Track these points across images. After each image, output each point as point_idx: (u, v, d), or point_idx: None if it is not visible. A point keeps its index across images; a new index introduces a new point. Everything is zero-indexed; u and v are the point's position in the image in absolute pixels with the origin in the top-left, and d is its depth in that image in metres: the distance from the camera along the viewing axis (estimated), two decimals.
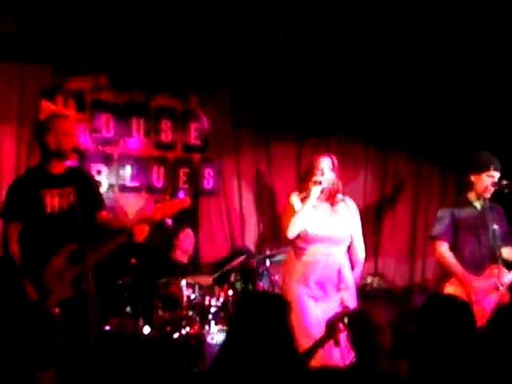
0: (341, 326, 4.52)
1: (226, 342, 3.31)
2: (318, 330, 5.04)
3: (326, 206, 5.47)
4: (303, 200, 5.42)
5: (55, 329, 4.68)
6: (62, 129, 4.87)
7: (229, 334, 3.39)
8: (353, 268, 5.56)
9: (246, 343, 3.13)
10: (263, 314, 3.19)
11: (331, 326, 4.58)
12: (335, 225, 5.41)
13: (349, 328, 4.18)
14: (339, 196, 5.53)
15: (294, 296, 5.26)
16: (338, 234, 5.41)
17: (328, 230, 5.36)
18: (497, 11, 6.61)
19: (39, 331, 4.69)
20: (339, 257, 5.40)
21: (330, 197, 5.47)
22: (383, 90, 8.26)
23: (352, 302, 5.35)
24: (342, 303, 5.21)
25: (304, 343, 4.88)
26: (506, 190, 5.68)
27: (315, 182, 5.36)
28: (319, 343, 4.71)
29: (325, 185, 5.37)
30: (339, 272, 5.35)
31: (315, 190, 5.35)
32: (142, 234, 4.81)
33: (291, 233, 5.33)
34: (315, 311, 5.27)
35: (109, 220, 5.05)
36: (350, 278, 5.43)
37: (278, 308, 3.25)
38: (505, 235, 5.79)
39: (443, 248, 5.78)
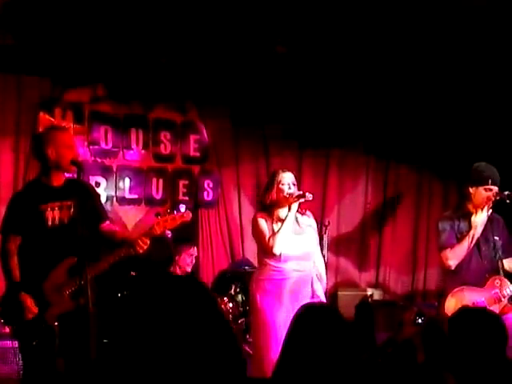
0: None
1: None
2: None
3: (293, 221, 5.40)
4: (273, 217, 5.33)
5: (54, 342, 4.65)
6: (61, 141, 4.83)
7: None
8: None
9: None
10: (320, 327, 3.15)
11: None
12: (304, 240, 5.36)
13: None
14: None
15: (266, 312, 5.21)
16: (308, 249, 5.36)
17: (299, 247, 5.31)
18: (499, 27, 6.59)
19: (39, 344, 4.65)
20: (310, 271, 5.36)
21: (299, 211, 5.42)
22: (384, 100, 8.24)
23: None
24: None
25: (269, 357, 4.88)
26: (508, 201, 5.64)
27: (299, 196, 5.27)
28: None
29: (309, 198, 5.30)
30: (312, 286, 5.33)
31: (295, 205, 5.29)
32: (143, 246, 4.77)
33: (278, 250, 5.23)
34: (284, 326, 5.20)
35: (113, 231, 5.01)
36: (321, 290, 5.40)
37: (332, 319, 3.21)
38: (505, 246, 5.76)
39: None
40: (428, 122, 8.38)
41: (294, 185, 5.33)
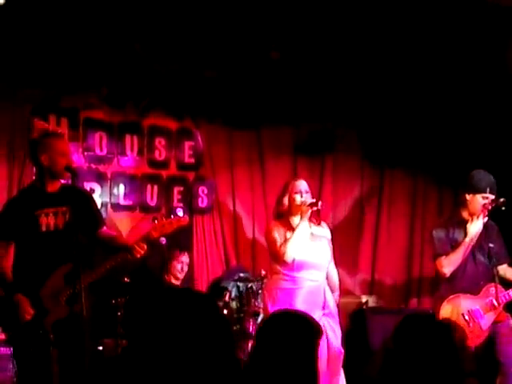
0: None
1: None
2: None
3: (306, 230, 5.38)
4: (286, 225, 5.34)
5: (49, 349, 4.64)
6: (55, 148, 4.82)
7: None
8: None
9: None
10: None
11: None
12: (317, 250, 5.35)
13: None
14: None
15: None
16: (321, 259, 5.36)
17: (312, 257, 5.31)
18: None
19: (35, 351, 4.64)
20: (323, 282, 5.35)
21: (312, 218, 5.41)
22: (379, 105, 8.24)
23: (334, 328, 5.29)
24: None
25: None
26: (503, 208, 5.65)
27: (312, 204, 5.28)
28: None
29: (320, 203, 5.32)
30: (324, 297, 5.31)
31: (308, 213, 5.30)
32: (141, 251, 4.76)
33: (290, 258, 5.23)
34: None
35: (111, 237, 4.99)
36: (332, 302, 5.38)
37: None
38: (500, 253, 5.76)
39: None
40: (423, 127, 8.38)
41: (306, 192, 5.37)
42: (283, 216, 5.40)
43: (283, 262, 5.23)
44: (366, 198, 8.65)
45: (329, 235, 5.54)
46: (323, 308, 5.27)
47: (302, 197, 5.33)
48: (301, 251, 5.23)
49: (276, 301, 5.25)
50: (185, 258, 7.25)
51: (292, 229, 5.30)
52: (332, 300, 5.38)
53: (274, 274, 5.38)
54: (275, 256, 5.31)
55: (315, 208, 5.29)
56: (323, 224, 5.55)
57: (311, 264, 5.27)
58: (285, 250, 5.22)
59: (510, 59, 6.78)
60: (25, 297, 4.63)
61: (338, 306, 5.47)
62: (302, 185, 5.42)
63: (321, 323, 5.16)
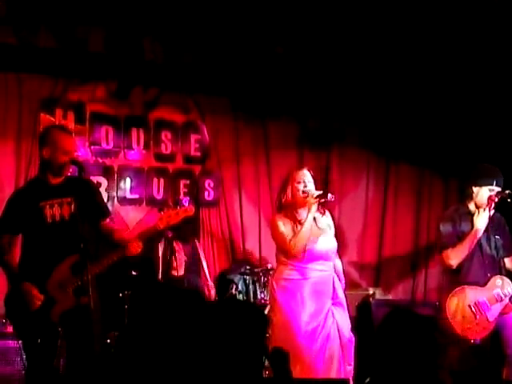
0: None
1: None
2: (310, 341, 5.02)
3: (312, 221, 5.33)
4: (291, 217, 5.28)
5: (57, 340, 4.66)
6: (59, 144, 4.79)
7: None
8: None
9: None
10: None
11: None
12: (326, 240, 5.30)
13: None
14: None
15: (284, 312, 5.17)
16: (329, 249, 5.31)
17: (322, 246, 5.26)
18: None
19: (43, 343, 4.66)
20: (331, 271, 5.32)
21: (319, 211, 5.35)
22: (385, 98, 8.24)
23: (343, 317, 5.29)
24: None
25: (295, 357, 4.83)
26: (509, 200, 5.64)
27: (320, 196, 5.21)
28: None
29: (332, 199, 5.24)
30: (333, 286, 5.29)
31: (315, 205, 5.22)
32: (135, 250, 4.77)
33: (299, 252, 5.18)
34: (306, 326, 5.18)
35: (112, 230, 4.99)
36: (340, 290, 5.36)
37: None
38: (506, 246, 5.76)
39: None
40: (429, 120, 8.37)
41: (309, 182, 5.27)
42: (287, 208, 5.30)
43: (293, 257, 5.19)
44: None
45: (332, 224, 5.47)
46: (333, 298, 5.25)
47: (305, 186, 5.26)
48: (308, 243, 5.19)
49: (284, 291, 5.23)
50: (177, 247, 7.21)
51: (298, 221, 5.21)
52: (340, 288, 5.35)
53: (280, 264, 5.30)
54: (285, 251, 5.24)
55: (323, 200, 5.21)
56: (327, 213, 5.47)
57: (319, 254, 5.22)
58: (295, 245, 5.14)
59: None
60: (32, 284, 4.66)
61: (345, 293, 5.45)
62: (305, 174, 5.28)
63: (330, 312, 5.20)
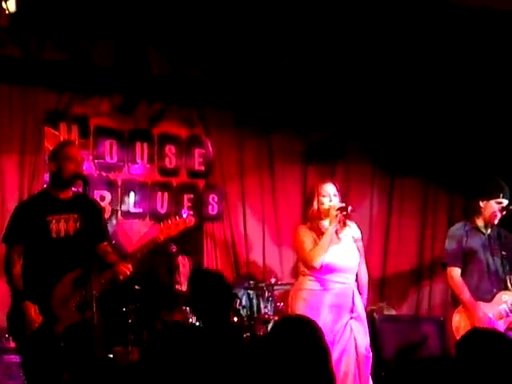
0: None
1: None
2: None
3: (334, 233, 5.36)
4: (315, 229, 5.31)
5: (60, 355, 4.64)
6: (63, 154, 4.86)
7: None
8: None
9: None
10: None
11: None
12: (348, 252, 5.32)
13: None
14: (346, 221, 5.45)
15: None
16: (351, 262, 5.33)
17: (343, 258, 5.27)
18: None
19: (46, 358, 4.64)
20: (352, 285, 5.32)
21: (340, 223, 5.38)
22: (391, 113, 8.23)
23: (362, 332, 5.26)
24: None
25: None
26: None
27: (342, 209, 5.25)
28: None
29: (350, 208, 5.28)
30: (352, 299, 5.28)
31: (337, 218, 5.26)
32: (124, 272, 4.76)
33: (318, 263, 5.20)
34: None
35: (106, 252, 4.99)
36: (360, 305, 5.34)
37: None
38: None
39: (455, 273, 5.72)
40: (434, 135, 8.36)
41: (335, 196, 5.33)
42: (312, 220, 5.36)
43: (312, 268, 5.22)
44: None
45: (358, 235, 5.49)
46: (351, 311, 5.24)
47: (330, 200, 5.30)
48: (329, 254, 5.21)
49: (303, 302, 5.24)
50: (180, 260, 7.23)
51: (321, 233, 5.26)
52: (360, 303, 5.33)
53: (301, 275, 5.35)
54: (304, 261, 5.29)
55: (344, 212, 5.26)
56: (352, 224, 5.49)
57: (340, 267, 5.24)
58: (314, 255, 5.19)
59: None
60: (33, 304, 4.64)
61: (366, 309, 5.44)
62: (330, 188, 5.36)
63: (348, 326, 5.17)
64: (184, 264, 7.32)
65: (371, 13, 6.43)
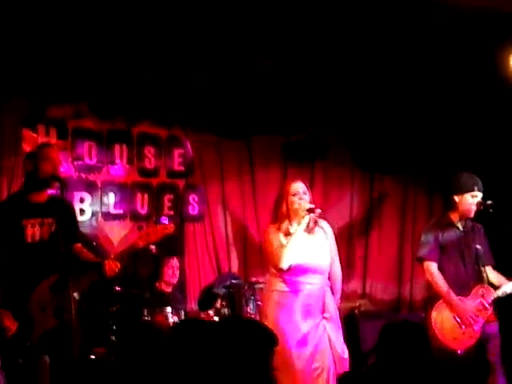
0: None
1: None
2: (300, 347, 5.02)
3: (304, 233, 5.32)
4: (286, 230, 5.27)
5: (38, 359, 4.62)
6: (40, 154, 4.84)
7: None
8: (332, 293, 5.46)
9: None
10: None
11: None
12: (318, 253, 5.27)
13: None
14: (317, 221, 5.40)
15: (275, 323, 5.15)
16: (322, 262, 5.27)
17: (313, 259, 5.23)
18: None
19: (23, 362, 4.62)
20: (323, 285, 5.29)
21: (309, 223, 5.33)
22: (369, 113, 8.25)
23: (335, 333, 5.26)
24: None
25: (286, 365, 4.86)
26: (491, 210, 5.69)
27: (310, 211, 5.20)
28: None
29: (318, 211, 5.24)
30: (323, 300, 5.26)
31: (306, 218, 5.22)
32: (112, 270, 4.75)
33: (286, 265, 5.14)
34: (296, 334, 5.17)
35: (80, 253, 4.98)
36: (332, 305, 5.32)
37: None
38: (486, 254, 5.81)
39: (432, 268, 5.76)
40: (413, 134, 8.39)
41: (304, 194, 5.27)
42: (282, 220, 5.29)
43: (279, 269, 5.18)
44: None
45: (330, 234, 5.45)
46: (322, 312, 5.22)
47: (299, 199, 5.25)
48: (298, 256, 5.16)
49: (274, 304, 5.21)
50: (174, 263, 7.29)
51: (289, 234, 5.23)
52: (332, 303, 5.29)
53: (271, 276, 5.28)
54: (271, 262, 5.25)
55: (313, 214, 5.21)
56: (324, 224, 5.44)
57: (309, 268, 5.18)
58: (280, 257, 5.14)
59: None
60: (6, 311, 4.61)
61: (339, 308, 5.43)
62: (300, 186, 5.29)
63: (321, 326, 5.17)
64: (177, 266, 7.33)
65: (348, 11, 6.43)
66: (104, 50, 6.78)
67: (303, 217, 5.16)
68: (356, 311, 7.63)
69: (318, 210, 5.18)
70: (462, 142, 8.08)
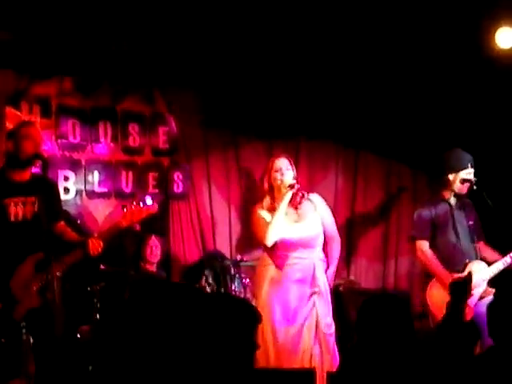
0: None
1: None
2: (287, 328, 5.04)
3: (291, 209, 5.34)
4: (270, 207, 5.30)
5: (21, 339, 4.61)
6: (21, 133, 4.82)
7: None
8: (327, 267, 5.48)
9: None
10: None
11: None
12: (305, 227, 5.31)
13: None
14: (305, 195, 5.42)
15: (266, 298, 5.19)
16: (310, 234, 5.32)
17: (300, 234, 5.26)
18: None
19: (6, 342, 4.61)
20: (313, 259, 5.32)
21: (295, 198, 5.36)
22: (353, 89, 8.22)
23: (324, 308, 5.28)
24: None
25: (271, 343, 4.89)
26: (475, 187, 5.71)
27: (290, 186, 5.23)
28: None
29: (297, 187, 5.26)
30: (313, 274, 5.28)
31: (289, 194, 5.24)
32: (96, 248, 4.74)
33: (270, 242, 5.20)
34: (286, 310, 5.20)
35: (63, 231, 4.97)
36: (323, 279, 5.35)
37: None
38: (477, 230, 5.84)
39: (424, 247, 5.79)
40: (396, 112, 8.38)
41: (287, 170, 5.29)
42: (266, 197, 5.33)
43: (265, 246, 5.22)
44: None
45: (320, 204, 5.45)
46: (311, 286, 5.25)
47: (282, 175, 5.26)
48: (283, 231, 5.19)
49: (267, 279, 5.25)
50: (152, 242, 7.25)
51: (274, 210, 5.24)
52: (323, 277, 5.34)
53: (265, 252, 5.37)
54: (257, 239, 5.29)
55: (294, 190, 5.23)
56: (313, 196, 5.46)
57: (297, 243, 5.24)
58: (265, 233, 5.18)
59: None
60: None
61: (334, 280, 5.46)
62: (283, 162, 5.33)
63: (311, 302, 5.20)
64: (156, 245, 7.31)
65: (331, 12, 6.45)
66: (87, 24, 6.73)
67: (285, 193, 5.18)
68: (340, 288, 7.64)
69: (297, 186, 5.20)
70: (449, 120, 8.07)
